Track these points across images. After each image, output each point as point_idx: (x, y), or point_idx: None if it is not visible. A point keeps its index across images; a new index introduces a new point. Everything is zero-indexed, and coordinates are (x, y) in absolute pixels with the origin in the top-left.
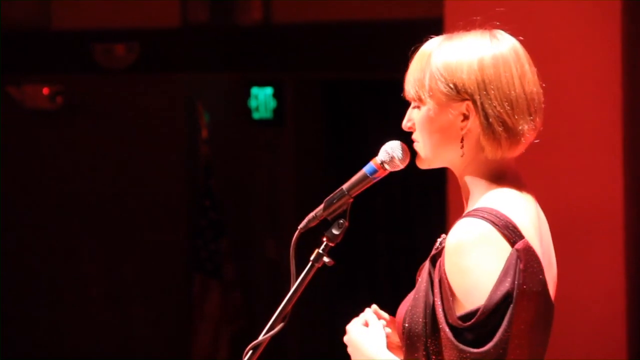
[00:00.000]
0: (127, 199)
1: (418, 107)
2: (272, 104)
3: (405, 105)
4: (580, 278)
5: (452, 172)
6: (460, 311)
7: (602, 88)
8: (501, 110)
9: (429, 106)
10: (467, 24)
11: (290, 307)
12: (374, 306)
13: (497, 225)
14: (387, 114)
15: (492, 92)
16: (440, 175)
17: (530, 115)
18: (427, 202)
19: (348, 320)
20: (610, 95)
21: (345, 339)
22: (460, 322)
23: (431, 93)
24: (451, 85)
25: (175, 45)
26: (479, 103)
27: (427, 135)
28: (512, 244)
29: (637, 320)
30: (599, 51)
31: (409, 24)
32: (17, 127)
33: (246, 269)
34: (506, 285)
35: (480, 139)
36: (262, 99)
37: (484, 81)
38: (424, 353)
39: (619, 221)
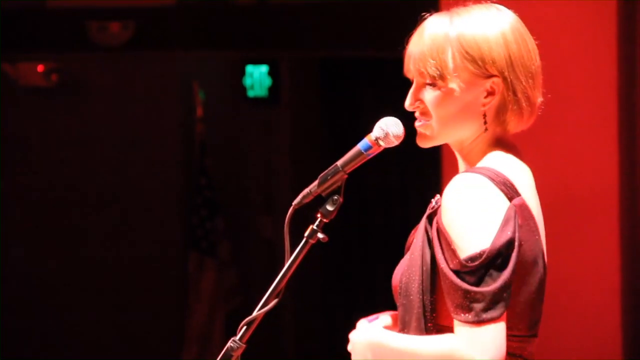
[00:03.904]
0: (122, 176)
1: (433, 85)
2: (267, 82)
3: (401, 81)
4: (575, 257)
5: (447, 147)
6: (462, 255)
7: (598, 69)
8: (526, 85)
9: (452, 85)
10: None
11: (284, 283)
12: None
13: (494, 180)
14: (382, 91)
15: (519, 68)
16: (435, 152)
17: (541, 87)
18: (422, 181)
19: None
20: (606, 77)
21: (350, 347)
22: (464, 264)
23: (456, 73)
24: (479, 63)
25: (170, 23)
26: (509, 80)
27: (446, 114)
28: (510, 199)
29: (631, 298)
30: (595, 30)
31: (406, 2)
32: (11, 105)
33: (241, 248)
34: (508, 234)
35: (506, 113)
36: (257, 77)
37: (510, 57)
38: (420, 310)
39: (614, 202)
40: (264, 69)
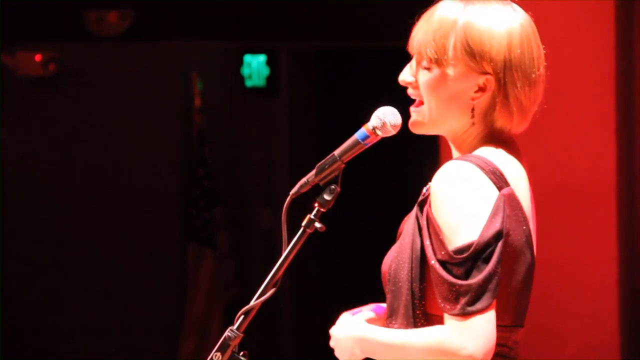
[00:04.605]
0: (120, 167)
1: (428, 68)
2: (265, 71)
3: (399, 71)
4: (573, 252)
5: (444, 139)
6: (451, 247)
7: (596, 64)
8: (521, 92)
9: (446, 72)
10: None
11: (281, 272)
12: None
13: (483, 169)
14: (380, 82)
15: (517, 73)
16: (433, 143)
17: (539, 95)
18: (420, 173)
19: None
20: (604, 71)
21: (332, 343)
22: (452, 256)
23: (453, 62)
24: (477, 58)
25: (168, 13)
26: (502, 82)
27: (435, 99)
28: (499, 188)
29: (629, 293)
30: (593, 26)
31: None
32: (10, 94)
33: (240, 238)
34: (497, 225)
35: (494, 113)
36: (255, 67)
37: (510, 60)
38: (409, 297)
39: (612, 196)
40: (262, 58)
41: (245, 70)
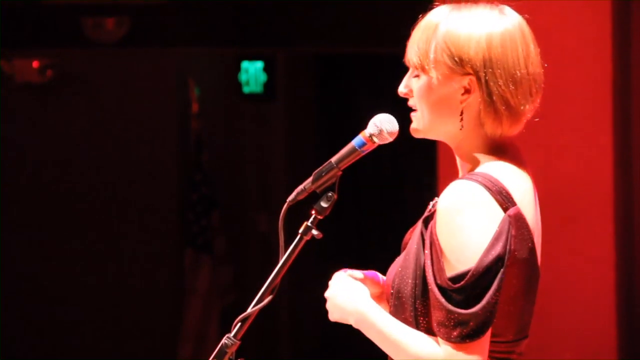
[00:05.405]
0: (118, 173)
1: (418, 75)
2: (263, 78)
3: (397, 78)
4: (570, 254)
5: (443, 142)
6: (451, 272)
7: (593, 66)
8: (505, 90)
9: (431, 76)
10: None
11: (278, 279)
12: (347, 270)
13: (490, 189)
14: (378, 87)
15: (498, 71)
16: (431, 145)
17: (531, 95)
18: (417, 176)
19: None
20: (601, 74)
21: (328, 295)
22: (450, 284)
23: (435, 65)
24: (456, 59)
25: (165, 19)
26: (483, 80)
27: (426, 105)
28: (505, 209)
29: (626, 296)
30: (590, 27)
31: None
32: (6, 101)
33: (237, 243)
34: (498, 249)
35: (480, 115)
36: (253, 73)
37: (490, 59)
38: (412, 314)
39: (609, 198)
40: (259, 65)
41: (242, 77)
